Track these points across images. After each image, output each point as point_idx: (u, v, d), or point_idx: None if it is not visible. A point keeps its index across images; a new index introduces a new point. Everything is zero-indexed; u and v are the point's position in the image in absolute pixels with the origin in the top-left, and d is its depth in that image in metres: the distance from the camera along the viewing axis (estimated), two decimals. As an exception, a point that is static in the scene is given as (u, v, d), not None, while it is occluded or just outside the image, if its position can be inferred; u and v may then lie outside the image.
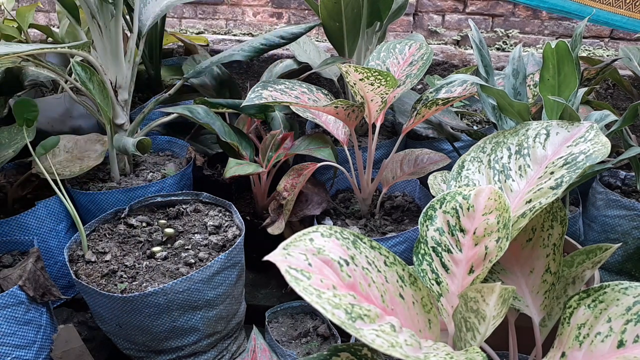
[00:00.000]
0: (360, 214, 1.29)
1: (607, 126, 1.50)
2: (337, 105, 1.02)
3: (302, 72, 1.62)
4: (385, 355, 0.64)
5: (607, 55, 2.06)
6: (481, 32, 2.22)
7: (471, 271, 0.62)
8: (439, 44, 2.27)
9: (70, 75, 1.33)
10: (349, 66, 0.95)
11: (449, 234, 0.66)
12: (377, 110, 1.11)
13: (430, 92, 1.14)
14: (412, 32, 2.30)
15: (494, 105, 0.98)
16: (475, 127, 1.63)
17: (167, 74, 1.83)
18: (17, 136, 1.21)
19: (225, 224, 1.11)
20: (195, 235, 1.08)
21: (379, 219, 1.25)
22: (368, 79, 0.98)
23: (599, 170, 0.99)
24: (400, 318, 0.55)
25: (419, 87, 1.97)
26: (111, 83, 1.24)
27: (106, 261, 1.01)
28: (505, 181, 0.71)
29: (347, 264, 0.53)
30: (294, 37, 1.35)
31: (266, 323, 1.12)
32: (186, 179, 1.35)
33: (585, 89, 1.25)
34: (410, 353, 0.46)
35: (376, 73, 0.96)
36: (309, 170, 1.19)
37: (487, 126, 1.63)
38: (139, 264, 1.00)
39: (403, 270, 0.61)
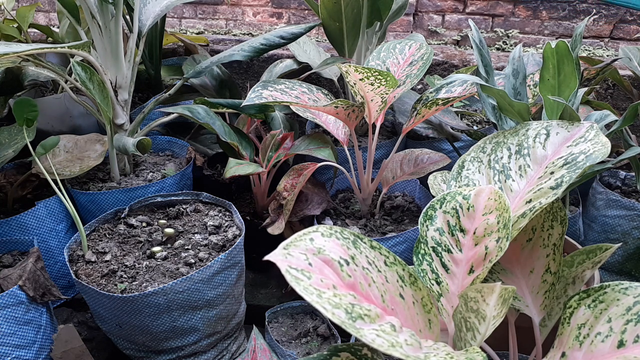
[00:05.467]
0: (360, 214, 1.29)
1: (607, 126, 1.50)
2: (337, 105, 1.02)
3: (302, 72, 1.62)
4: (385, 355, 0.64)
5: (607, 55, 2.06)
6: (481, 32, 2.22)
7: (471, 271, 0.62)
8: (439, 44, 2.27)
9: (70, 75, 1.33)
10: (349, 66, 0.95)
11: (449, 234, 0.66)
12: (377, 110, 1.11)
13: (431, 92, 1.14)
14: (412, 32, 2.30)
15: (494, 105, 0.98)
16: (475, 127, 1.63)
17: (167, 74, 1.83)
18: (17, 136, 1.21)
19: (225, 224, 1.11)
20: (195, 235, 1.08)
21: (379, 219, 1.25)
22: (368, 79, 0.98)
23: (599, 170, 0.99)
24: (400, 318, 0.55)
25: (419, 87, 1.97)
26: (111, 83, 1.24)
27: (106, 261, 1.01)
28: (505, 181, 0.71)
29: (348, 263, 0.52)
30: (294, 37, 1.35)
31: (266, 323, 1.12)
32: (186, 179, 1.35)
33: (585, 89, 1.25)
34: (411, 353, 0.46)
35: (376, 73, 0.96)
36: (309, 170, 1.19)
37: (487, 126, 1.63)
38: (139, 264, 1.00)
39: (403, 270, 0.61)
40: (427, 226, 0.67)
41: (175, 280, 0.91)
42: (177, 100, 1.62)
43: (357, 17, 1.42)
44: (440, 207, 0.68)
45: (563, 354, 0.58)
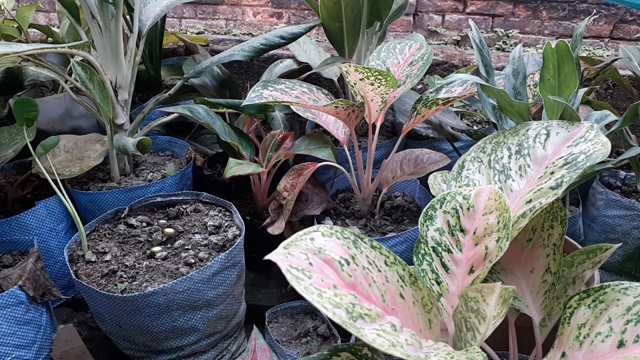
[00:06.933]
0: (360, 214, 1.29)
1: (607, 126, 1.50)
2: (337, 105, 1.02)
3: (302, 72, 1.62)
4: (385, 355, 0.64)
5: (607, 55, 2.06)
6: (481, 32, 2.22)
7: (471, 271, 0.62)
8: (439, 44, 2.27)
9: (70, 75, 1.33)
10: (349, 66, 0.95)
11: (449, 234, 0.66)
12: (377, 110, 1.11)
13: (431, 92, 1.14)
14: (412, 32, 2.30)
15: (494, 105, 0.98)
16: (475, 127, 1.63)
17: (167, 74, 1.83)
18: (17, 136, 1.21)
19: (225, 224, 1.11)
20: (195, 235, 1.08)
21: (379, 219, 1.25)
22: (368, 78, 0.98)
23: (599, 170, 0.99)
24: (400, 318, 0.55)
25: (419, 87, 1.97)
26: (111, 83, 1.24)
27: (106, 261, 1.01)
28: (505, 181, 0.71)
29: (348, 263, 0.52)
30: (294, 37, 1.35)
31: (266, 323, 1.12)
32: (186, 179, 1.35)
33: (585, 89, 1.25)
34: (411, 352, 0.46)
35: (376, 73, 0.96)
36: (309, 170, 1.19)
37: (487, 126, 1.63)
38: (139, 264, 1.00)
39: (403, 270, 0.61)
40: (427, 226, 0.67)
41: (175, 280, 0.91)
42: (177, 100, 1.62)
43: (357, 17, 1.42)
44: (441, 207, 0.68)
45: (563, 354, 0.58)
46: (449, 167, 1.15)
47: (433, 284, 0.65)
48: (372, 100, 1.07)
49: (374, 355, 0.57)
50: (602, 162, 1.01)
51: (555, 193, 0.62)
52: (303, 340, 1.11)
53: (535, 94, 1.17)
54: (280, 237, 1.16)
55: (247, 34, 2.41)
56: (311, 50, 1.72)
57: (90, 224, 1.11)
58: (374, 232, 1.20)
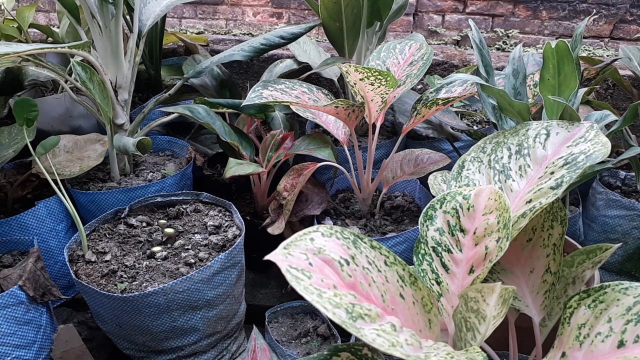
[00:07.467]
0: (360, 214, 1.29)
1: (607, 126, 1.50)
2: (337, 105, 1.02)
3: (302, 72, 1.62)
4: (385, 355, 0.64)
5: (607, 55, 2.06)
6: (481, 32, 2.22)
7: (471, 271, 0.62)
8: (439, 44, 2.27)
9: (70, 75, 1.33)
10: (349, 66, 0.95)
11: (449, 234, 0.66)
12: (377, 110, 1.11)
13: (431, 92, 1.14)
14: (412, 32, 2.30)
15: (494, 105, 0.98)
16: (475, 127, 1.63)
17: (167, 74, 1.83)
18: (17, 136, 1.21)
19: (225, 224, 1.11)
20: (195, 235, 1.08)
21: (379, 219, 1.25)
22: (368, 78, 0.98)
23: (599, 170, 0.99)
24: (400, 318, 0.55)
25: (419, 87, 1.97)
26: (111, 83, 1.24)
27: (106, 261, 1.01)
28: (505, 181, 0.71)
29: (348, 263, 0.52)
30: (294, 37, 1.35)
31: (266, 323, 1.12)
32: (186, 179, 1.35)
33: (585, 89, 1.25)
34: (411, 352, 0.46)
35: (376, 73, 0.96)
36: (309, 170, 1.19)
37: (487, 126, 1.63)
38: (139, 264, 1.00)
39: (403, 270, 0.61)
40: (427, 226, 0.67)
41: (175, 280, 0.91)
42: (177, 100, 1.62)
43: (357, 17, 1.42)
44: (441, 207, 0.68)
45: (563, 354, 0.58)
46: (449, 167, 1.15)
47: (433, 284, 0.65)
48: (372, 100, 1.07)
49: (374, 355, 0.57)
50: (602, 162, 1.01)
51: (555, 193, 0.62)
52: (303, 340, 1.11)
53: (535, 94, 1.17)
54: (280, 237, 1.16)
55: (247, 34, 2.41)
56: (311, 50, 1.72)
57: (90, 224, 1.11)
58: (374, 232, 1.20)
